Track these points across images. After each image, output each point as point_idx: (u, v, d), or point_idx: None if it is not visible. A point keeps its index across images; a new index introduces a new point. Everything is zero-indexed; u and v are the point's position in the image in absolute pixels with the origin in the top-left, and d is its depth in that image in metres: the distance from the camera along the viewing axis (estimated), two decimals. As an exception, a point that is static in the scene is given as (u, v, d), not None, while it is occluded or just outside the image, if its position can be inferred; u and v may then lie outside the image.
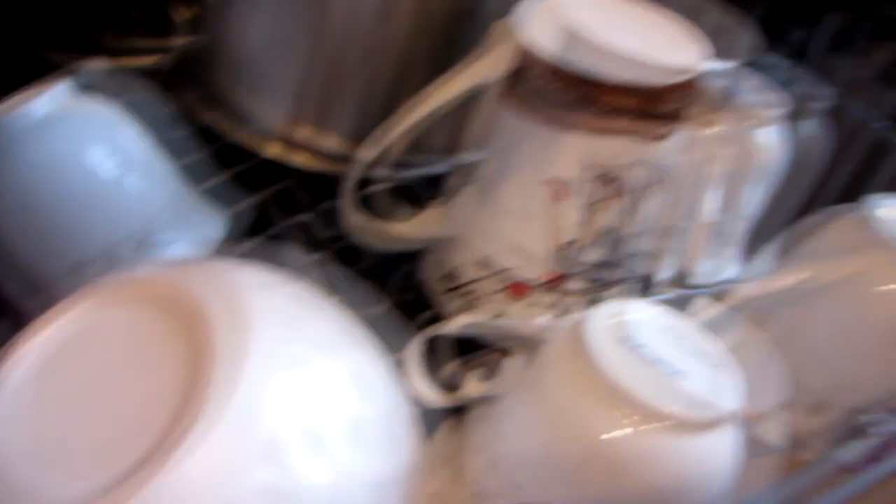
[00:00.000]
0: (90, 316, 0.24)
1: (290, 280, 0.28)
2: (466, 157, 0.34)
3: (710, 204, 0.35)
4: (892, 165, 0.48)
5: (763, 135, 0.37)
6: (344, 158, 0.42)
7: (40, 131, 0.33)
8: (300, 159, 0.42)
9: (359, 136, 0.40)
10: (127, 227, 0.34)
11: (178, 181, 0.38)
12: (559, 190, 0.28)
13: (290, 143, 0.42)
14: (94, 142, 0.34)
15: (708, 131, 0.37)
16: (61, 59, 0.41)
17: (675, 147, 0.30)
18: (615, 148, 0.27)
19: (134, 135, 0.37)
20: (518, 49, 0.27)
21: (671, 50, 0.29)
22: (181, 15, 0.38)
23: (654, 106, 0.26)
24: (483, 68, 0.29)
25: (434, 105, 0.30)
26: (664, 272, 0.37)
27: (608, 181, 0.28)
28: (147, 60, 0.40)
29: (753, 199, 0.40)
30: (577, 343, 0.23)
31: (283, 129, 0.41)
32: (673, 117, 0.28)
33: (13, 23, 0.43)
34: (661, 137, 0.28)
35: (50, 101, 0.33)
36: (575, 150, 0.27)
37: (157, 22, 0.39)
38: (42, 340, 0.23)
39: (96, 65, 0.41)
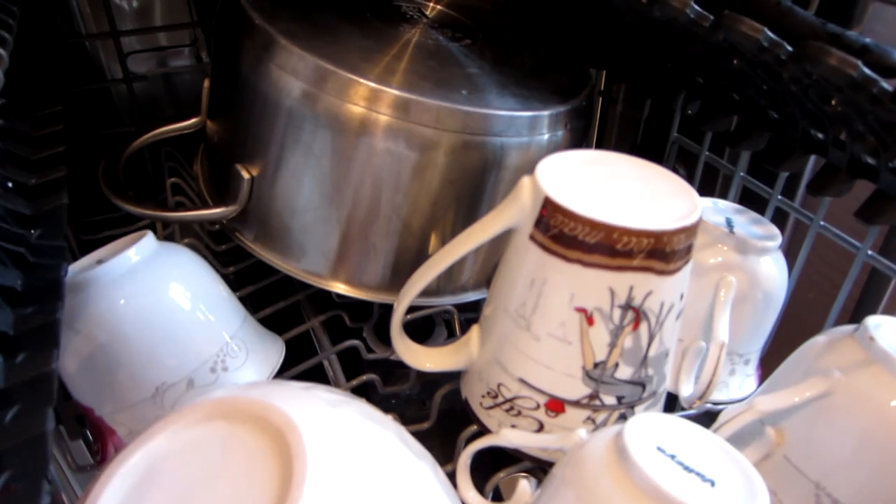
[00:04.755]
0: (187, 432, 0.26)
1: (351, 398, 0.31)
2: (496, 288, 0.38)
3: (722, 325, 0.38)
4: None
5: (763, 262, 0.42)
6: (385, 289, 0.47)
7: (133, 274, 0.38)
8: (346, 290, 0.46)
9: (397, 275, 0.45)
10: (203, 355, 0.38)
11: (242, 313, 0.43)
12: (590, 317, 0.32)
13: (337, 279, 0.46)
14: (176, 281, 0.39)
15: (713, 260, 0.41)
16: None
17: (687, 277, 0.34)
18: (633, 281, 0.31)
19: (206, 273, 0.42)
20: (545, 199, 0.32)
21: (674, 198, 0.34)
22: (247, 173, 0.44)
23: (664, 245, 0.31)
24: (512, 215, 0.34)
25: (471, 246, 0.35)
26: (687, 389, 0.40)
27: (630, 309, 0.32)
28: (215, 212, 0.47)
29: (761, 321, 0.43)
30: (620, 452, 0.26)
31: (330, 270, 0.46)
32: (681, 254, 0.32)
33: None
34: (673, 272, 0.32)
35: (140, 249, 0.38)
36: (599, 284, 0.31)
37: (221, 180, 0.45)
38: (143, 454, 0.25)
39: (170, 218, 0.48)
